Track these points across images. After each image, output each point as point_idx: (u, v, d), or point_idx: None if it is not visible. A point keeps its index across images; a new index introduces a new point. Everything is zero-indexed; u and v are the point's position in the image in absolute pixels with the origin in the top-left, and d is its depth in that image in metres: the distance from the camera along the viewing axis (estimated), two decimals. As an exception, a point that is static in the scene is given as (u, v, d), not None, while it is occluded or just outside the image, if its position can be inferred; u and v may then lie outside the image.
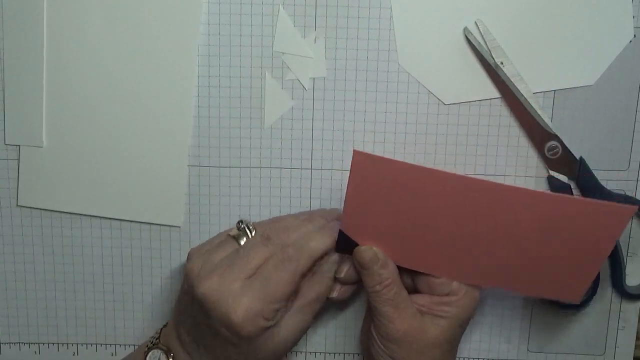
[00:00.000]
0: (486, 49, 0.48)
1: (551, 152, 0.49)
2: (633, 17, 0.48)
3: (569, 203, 0.42)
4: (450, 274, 0.45)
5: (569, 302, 0.47)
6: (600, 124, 0.50)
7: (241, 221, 0.47)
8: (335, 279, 0.47)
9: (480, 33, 0.48)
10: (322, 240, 0.45)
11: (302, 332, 0.46)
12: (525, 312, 0.53)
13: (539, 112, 0.49)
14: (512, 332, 0.54)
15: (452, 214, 0.43)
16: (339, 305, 0.53)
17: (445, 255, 0.44)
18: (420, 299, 0.46)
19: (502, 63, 0.48)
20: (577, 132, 0.50)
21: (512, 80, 0.48)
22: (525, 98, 0.49)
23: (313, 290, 0.46)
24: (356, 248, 0.45)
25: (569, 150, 0.49)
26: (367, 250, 0.45)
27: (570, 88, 0.49)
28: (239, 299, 0.43)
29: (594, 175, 0.49)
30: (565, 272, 0.44)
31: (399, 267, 0.46)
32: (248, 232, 0.46)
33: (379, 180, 0.42)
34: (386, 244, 0.45)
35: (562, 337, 0.54)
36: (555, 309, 0.53)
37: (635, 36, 0.48)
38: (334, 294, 0.47)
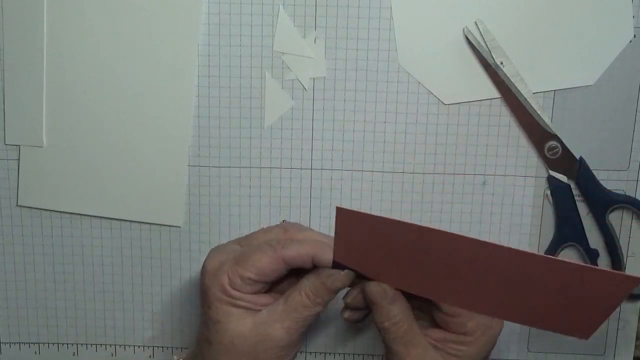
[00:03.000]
0: (486, 49, 0.48)
1: (551, 152, 0.49)
2: (633, 17, 0.48)
3: (568, 269, 0.37)
4: (455, 303, 0.43)
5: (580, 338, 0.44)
6: (600, 124, 0.50)
7: (284, 220, 0.51)
8: (344, 304, 0.46)
9: (480, 33, 0.48)
10: (320, 249, 0.43)
11: (273, 344, 0.44)
12: (525, 312, 0.53)
13: (539, 112, 0.49)
14: (512, 332, 0.54)
15: (442, 266, 0.40)
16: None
17: (446, 286, 0.42)
18: (436, 334, 0.44)
19: (502, 63, 0.48)
20: (577, 132, 0.50)
21: (512, 80, 0.48)
22: (525, 98, 0.49)
23: (293, 298, 0.44)
24: (366, 284, 0.43)
25: (569, 150, 0.49)
26: (376, 286, 0.43)
27: (570, 88, 0.49)
28: (221, 255, 0.45)
29: (594, 175, 0.49)
30: (570, 319, 0.41)
31: (414, 296, 0.44)
32: None
33: (365, 235, 0.40)
34: (382, 275, 0.43)
35: (562, 337, 0.53)
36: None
37: (635, 36, 0.48)
38: (345, 314, 0.46)
